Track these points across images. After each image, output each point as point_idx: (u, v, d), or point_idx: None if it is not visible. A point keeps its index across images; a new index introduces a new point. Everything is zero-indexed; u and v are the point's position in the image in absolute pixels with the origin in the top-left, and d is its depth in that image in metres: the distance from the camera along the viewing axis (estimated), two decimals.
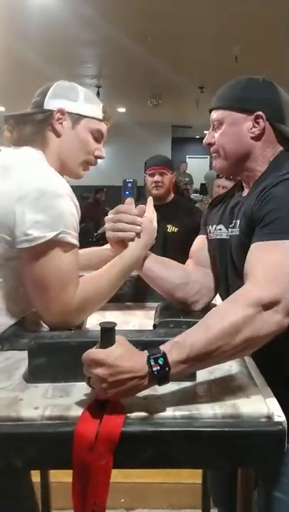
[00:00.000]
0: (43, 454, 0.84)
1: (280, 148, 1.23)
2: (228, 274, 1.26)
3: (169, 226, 3.08)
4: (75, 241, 1.12)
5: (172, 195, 3.19)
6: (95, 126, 1.30)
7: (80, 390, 0.93)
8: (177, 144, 15.07)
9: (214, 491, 1.68)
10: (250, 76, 1.24)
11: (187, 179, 10.80)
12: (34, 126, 1.25)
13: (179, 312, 1.32)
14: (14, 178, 1.10)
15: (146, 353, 0.86)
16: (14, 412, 0.86)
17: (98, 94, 8.83)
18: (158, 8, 4.99)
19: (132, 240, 1.25)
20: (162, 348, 0.87)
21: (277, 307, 0.91)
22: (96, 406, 0.86)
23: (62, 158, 1.26)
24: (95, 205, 8.87)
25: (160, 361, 0.84)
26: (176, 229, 3.07)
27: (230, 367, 1.04)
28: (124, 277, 1.25)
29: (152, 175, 3.09)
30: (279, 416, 0.85)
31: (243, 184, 1.29)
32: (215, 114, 1.24)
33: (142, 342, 0.97)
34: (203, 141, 1.28)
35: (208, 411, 0.86)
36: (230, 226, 1.24)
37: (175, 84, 7.93)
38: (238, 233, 1.19)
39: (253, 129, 1.19)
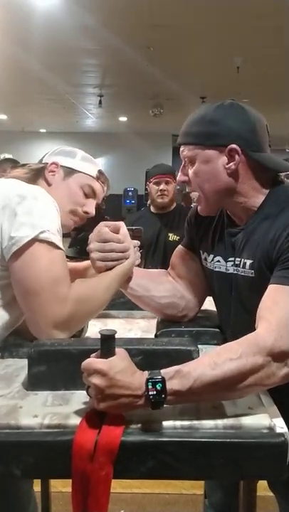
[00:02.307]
0: (42, 463, 0.83)
1: (268, 176, 1.14)
2: (232, 308, 1.20)
3: (170, 235, 3.09)
4: (60, 244, 1.12)
5: (174, 204, 3.20)
6: (86, 182, 1.35)
7: (80, 398, 0.92)
8: (178, 153, 15.06)
9: (211, 497, 1.65)
10: (217, 103, 1.14)
11: (178, 187, 10.82)
12: (28, 171, 1.33)
13: (180, 321, 1.31)
14: None
15: (146, 373, 0.85)
16: (13, 420, 0.85)
17: (100, 103, 8.89)
18: (160, 19, 5.03)
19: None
20: (163, 373, 0.85)
21: (287, 360, 0.91)
22: (95, 415, 0.85)
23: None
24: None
25: (158, 386, 0.83)
26: (178, 237, 3.07)
27: None
28: (117, 286, 1.22)
29: (158, 183, 3.09)
30: (281, 427, 0.84)
31: (232, 216, 1.20)
32: (185, 151, 1.15)
33: (143, 350, 0.97)
34: (177, 179, 1.21)
35: (210, 421, 0.85)
36: (233, 261, 1.16)
37: (177, 94, 7.98)
38: (251, 275, 1.10)
39: (229, 164, 1.10)
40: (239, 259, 1.14)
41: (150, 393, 0.83)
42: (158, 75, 6.74)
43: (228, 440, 0.83)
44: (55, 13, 4.84)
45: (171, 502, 2.37)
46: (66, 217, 1.32)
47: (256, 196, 1.13)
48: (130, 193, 11.86)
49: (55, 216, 1.14)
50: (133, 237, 1.69)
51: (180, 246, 1.38)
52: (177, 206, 3.28)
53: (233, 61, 6.42)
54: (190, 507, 2.28)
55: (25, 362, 1.00)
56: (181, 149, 1.17)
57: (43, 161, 1.37)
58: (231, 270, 1.17)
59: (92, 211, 1.38)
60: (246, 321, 1.05)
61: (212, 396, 0.89)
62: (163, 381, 0.83)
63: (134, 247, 1.46)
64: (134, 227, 1.87)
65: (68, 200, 1.32)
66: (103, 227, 1.22)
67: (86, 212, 1.37)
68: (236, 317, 1.19)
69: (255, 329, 0.96)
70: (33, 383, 0.97)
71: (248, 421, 0.85)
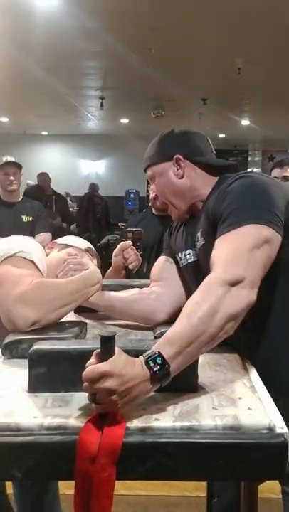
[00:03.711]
0: (42, 465, 0.83)
1: (216, 171, 1.34)
2: None
3: None
4: (37, 263, 1.32)
5: None
6: (74, 252, 1.58)
7: (80, 400, 0.92)
8: None
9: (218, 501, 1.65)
10: (163, 131, 1.41)
11: None
12: None
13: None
14: None
15: (142, 358, 0.88)
16: (13, 421, 0.85)
17: (102, 105, 8.89)
18: (161, 21, 5.03)
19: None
20: (155, 348, 0.89)
21: (243, 283, 0.99)
22: (98, 417, 0.85)
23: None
24: (101, 215, 8.87)
25: (158, 360, 0.87)
26: None
27: (233, 378, 1.03)
28: (81, 285, 1.31)
29: None
30: (281, 428, 0.84)
31: (195, 214, 1.36)
32: (148, 172, 1.40)
33: (142, 351, 0.96)
34: (150, 198, 1.42)
35: (209, 422, 0.85)
36: (195, 247, 1.30)
37: (178, 96, 7.97)
38: (203, 242, 1.24)
39: (178, 171, 1.33)
40: (198, 242, 1.28)
41: (155, 370, 0.86)
42: (159, 76, 6.73)
43: (228, 441, 0.83)
44: (56, 15, 4.84)
45: (174, 504, 2.37)
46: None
47: (206, 188, 1.32)
48: (132, 195, 11.86)
49: (36, 247, 1.38)
50: (133, 239, 1.71)
51: (161, 256, 1.50)
52: None
53: (234, 62, 6.42)
54: (193, 509, 2.27)
55: (24, 363, 1.01)
56: (146, 174, 1.42)
57: None
58: (199, 246, 1.28)
59: None
60: None
61: (204, 344, 0.93)
62: (160, 354, 0.87)
63: (129, 247, 1.57)
64: (134, 229, 1.88)
65: (58, 266, 1.48)
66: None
67: None
68: None
69: None
70: (33, 385, 0.97)
71: (247, 421, 0.85)
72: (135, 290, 1.47)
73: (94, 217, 7.97)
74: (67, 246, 1.60)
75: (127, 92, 8.39)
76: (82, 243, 1.67)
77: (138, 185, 11.32)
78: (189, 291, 1.35)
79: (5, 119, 11.21)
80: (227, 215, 1.12)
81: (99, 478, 0.80)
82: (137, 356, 0.93)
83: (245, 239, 1.05)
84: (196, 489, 2.30)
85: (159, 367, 0.86)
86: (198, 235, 1.27)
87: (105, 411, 0.85)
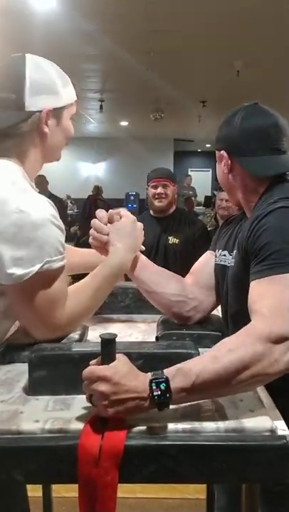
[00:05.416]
0: (44, 468, 0.83)
1: (267, 179, 1.21)
2: (228, 300, 1.26)
3: (170, 238, 3.09)
4: (61, 263, 1.09)
5: (174, 207, 3.20)
6: (73, 110, 1.27)
7: (81, 402, 0.91)
8: (179, 158, 15.16)
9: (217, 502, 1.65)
10: (233, 109, 1.27)
11: (191, 192, 10.82)
12: (20, 140, 1.17)
13: (181, 324, 1.31)
14: None
15: (149, 375, 0.85)
16: (15, 425, 0.85)
17: (101, 108, 8.92)
18: (160, 24, 5.05)
19: (104, 244, 1.23)
20: (166, 372, 0.85)
21: (287, 344, 0.90)
22: (98, 419, 0.84)
23: (47, 153, 1.23)
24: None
25: (162, 386, 0.83)
26: (178, 240, 3.08)
27: None
28: (112, 284, 1.21)
29: (155, 187, 3.10)
30: (283, 430, 0.84)
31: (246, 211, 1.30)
32: None
33: (144, 354, 0.97)
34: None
35: (211, 424, 0.85)
36: (231, 254, 1.26)
37: (177, 98, 8.00)
38: (233, 264, 1.21)
39: (224, 167, 1.26)
40: (234, 251, 1.22)
41: (155, 394, 0.83)
42: (158, 79, 6.76)
43: (230, 443, 0.82)
44: (55, 18, 4.86)
45: (174, 507, 2.36)
46: (61, 146, 1.27)
47: (253, 195, 1.23)
48: (132, 197, 11.88)
49: (58, 236, 1.07)
50: None
51: (208, 251, 1.42)
52: (177, 209, 3.28)
53: (233, 65, 6.44)
54: (193, 511, 2.27)
55: (25, 367, 1.00)
56: None
57: (26, 108, 1.15)
58: (231, 263, 1.24)
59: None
60: (235, 313, 1.14)
61: (217, 391, 0.88)
62: (166, 381, 0.83)
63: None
64: None
65: (65, 139, 1.26)
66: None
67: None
68: (231, 308, 1.25)
69: (243, 323, 0.96)
70: (34, 388, 0.97)
71: (249, 424, 0.85)
72: (175, 284, 1.33)
73: None
74: (62, 109, 1.21)
75: (126, 95, 8.42)
76: (71, 89, 1.27)
77: (138, 187, 11.33)
78: (216, 287, 1.35)
79: None
80: (265, 256, 1.03)
81: (103, 482, 0.80)
82: (138, 359, 0.93)
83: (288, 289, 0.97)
84: (196, 492, 2.30)
85: (160, 392, 0.82)
86: (234, 253, 1.21)
87: (98, 414, 0.84)
